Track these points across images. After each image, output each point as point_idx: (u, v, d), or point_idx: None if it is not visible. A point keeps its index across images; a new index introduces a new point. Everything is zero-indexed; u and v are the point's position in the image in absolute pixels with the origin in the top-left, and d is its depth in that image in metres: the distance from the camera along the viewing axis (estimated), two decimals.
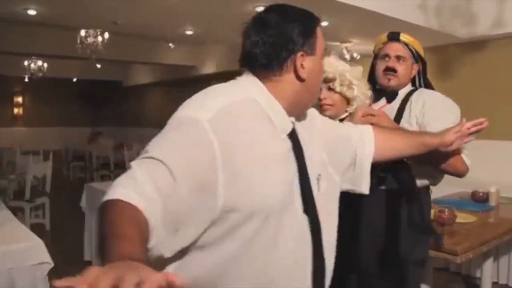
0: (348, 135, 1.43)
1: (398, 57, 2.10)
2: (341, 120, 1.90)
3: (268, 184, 1.09)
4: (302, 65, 1.16)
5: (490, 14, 4.93)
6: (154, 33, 7.28)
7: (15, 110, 15.16)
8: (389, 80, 2.10)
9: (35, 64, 10.96)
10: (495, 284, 3.90)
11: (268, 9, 1.20)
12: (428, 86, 2.20)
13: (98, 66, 11.55)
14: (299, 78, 1.17)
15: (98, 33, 6.99)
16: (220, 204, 1.03)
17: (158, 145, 1.04)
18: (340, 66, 1.89)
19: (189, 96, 1.17)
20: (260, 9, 5.11)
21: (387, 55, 2.12)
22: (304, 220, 1.18)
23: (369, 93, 1.93)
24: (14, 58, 10.81)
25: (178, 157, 1.00)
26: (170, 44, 8.64)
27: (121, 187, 0.94)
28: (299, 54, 1.16)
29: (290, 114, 1.20)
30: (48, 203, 5.83)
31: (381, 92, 2.14)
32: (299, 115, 1.26)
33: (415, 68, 2.16)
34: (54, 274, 2.50)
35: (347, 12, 4.71)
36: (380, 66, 2.13)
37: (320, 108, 1.92)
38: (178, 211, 0.98)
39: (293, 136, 1.20)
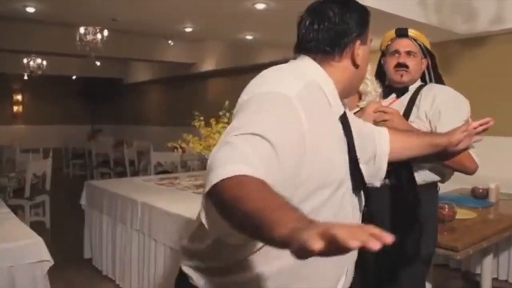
0: (371, 131, 1.52)
1: (409, 53, 2.11)
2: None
3: (336, 159, 1.19)
4: (358, 52, 1.25)
5: (490, 10, 4.92)
6: (154, 30, 7.26)
7: (15, 108, 15.14)
8: (402, 76, 2.10)
9: (34, 61, 10.94)
10: (495, 280, 3.90)
11: (326, 0, 1.26)
12: (439, 80, 2.20)
13: (98, 63, 11.52)
14: (354, 65, 1.26)
15: (97, 30, 6.97)
16: (304, 174, 1.09)
17: (251, 121, 1.04)
18: None
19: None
20: (259, 6, 5.05)
21: (397, 51, 2.12)
22: (354, 198, 1.28)
23: (380, 90, 1.95)
24: (13, 56, 10.78)
25: (276, 131, 1.02)
26: (170, 41, 8.63)
27: (235, 162, 0.92)
28: (358, 42, 1.25)
29: (340, 98, 1.27)
30: (48, 201, 5.84)
31: (390, 88, 2.14)
32: (344, 101, 1.33)
33: (424, 63, 2.17)
34: (54, 272, 2.50)
35: None
36: (391, 62, 2.13)
37: None
38: (277, 184, 0.96)
39: (344, 120, 1.27)
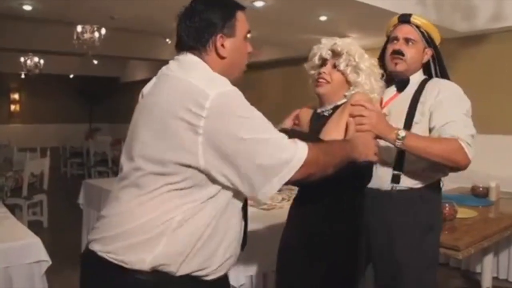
0: None
1: (407, 40, 1.99)
2: (337, 107, 1.73)
3: None
4: (222, 45, 1.36)
5: (489, 8, 4.91)
6: (151, 28, 7.23)
7: (12, 107, 15.11)
8: (396, 64, 1.99)
9: (31, 60, 10.90)
10: (495, 279, 3.89)
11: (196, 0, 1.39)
12: (444, 72, 2.08)
13: (95, 62, 11.48)
14: (220, 56, 1.37)
15: (95, 28, 6.95)
16: None
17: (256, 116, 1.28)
18: (353, 47, 1.72)
19: None
20: (258, 3, 5.00)
21: (396, 38, 2.01)
22: None
23: (378, 86, 1.75)
24: (10, 55, 10.73)
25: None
26: (168, 40, 8.60)
27: (299, 143, 1.29)
28: (219, 35, 1.35)
29: None
30: (46, 200, 5.82)
31: (390, 78, 1.99)
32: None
33: (428, 52, 2.04)
34: (52, 272, 2.48)
35: (345, 6, 4.68)
36: (388, 49, 2.03)
37: (316, 81, 1.76)
38: None
39: None
